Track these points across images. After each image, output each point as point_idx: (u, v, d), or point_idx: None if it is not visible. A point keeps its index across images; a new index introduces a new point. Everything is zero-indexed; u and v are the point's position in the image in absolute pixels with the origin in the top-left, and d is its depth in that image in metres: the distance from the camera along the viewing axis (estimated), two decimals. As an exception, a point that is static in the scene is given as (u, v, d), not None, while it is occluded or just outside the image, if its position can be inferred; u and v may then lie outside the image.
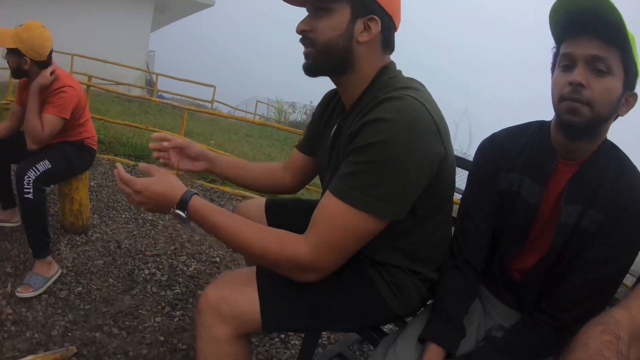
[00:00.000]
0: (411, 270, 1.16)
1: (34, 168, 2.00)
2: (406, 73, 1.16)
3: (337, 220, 0.96)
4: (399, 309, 1.18)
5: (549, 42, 1.10)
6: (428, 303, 1.25)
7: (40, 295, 1.99)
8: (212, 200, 3.52)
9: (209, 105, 12.25)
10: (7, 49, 2.09)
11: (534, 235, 1.14)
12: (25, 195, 1.96)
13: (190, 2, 15.41)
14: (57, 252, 2.32)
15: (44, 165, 2.05)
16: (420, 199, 1.02)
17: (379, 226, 0.98)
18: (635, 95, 1.04)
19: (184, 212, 1.05)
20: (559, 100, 1.02)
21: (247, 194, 3.80)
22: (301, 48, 1.11)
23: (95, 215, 2.83)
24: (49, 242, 2.11)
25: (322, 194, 1.11)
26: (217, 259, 2.64)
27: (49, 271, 2.09)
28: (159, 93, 12.09)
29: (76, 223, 2.52)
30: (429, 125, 0.97)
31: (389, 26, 1.09)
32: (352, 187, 0.94)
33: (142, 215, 2.99)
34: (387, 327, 1.65)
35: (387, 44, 1.11)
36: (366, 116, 0.98)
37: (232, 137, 7.59)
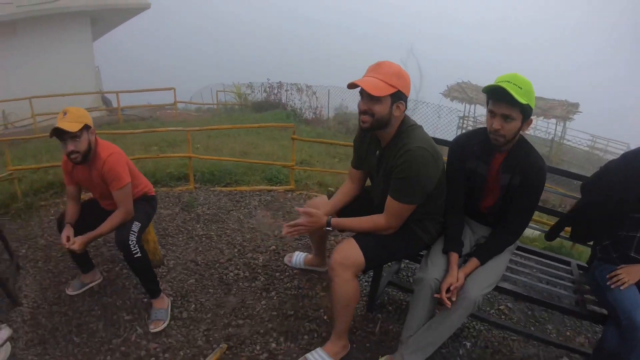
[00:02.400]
0: (431, 219, 2.21)
1: (131, 232, 2.45)
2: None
3: (397, 208, 2.04)
4: (428, 241, 2.23)
5: None
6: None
7: (169, 323, 2.54)
8: (237, 201, 4.07)
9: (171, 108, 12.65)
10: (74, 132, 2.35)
11: (487, 191, 2.16)
12: (136, 256, 2.42)
13: (124, 9, 15.41)
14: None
15: (136, 226, 2.50)
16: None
17: (413, 207, 2.05)
18: (531, 120, 1.99)
19: (330, 227, 2.15)
20: (489, 132, 1.99)
21: (262, 187, 4.37)
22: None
23: (160, 247, 3.33)
24: (158, 282, 2.63)
25: (372, 187, 2.32)
26: (273, 247, 3.27)
27: (164, 303, 2.63)
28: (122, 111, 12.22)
29: (154, 259, 3.03)
30: (432, 163, 1.96)
31: (406, 101, 2.00)
32: (402, 195, 2.00)
33: (193, 232, 3.51)
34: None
35: (405, 109, 2.02)
36: (400, 158, 1.95)
37: (211, 134, 7.96)
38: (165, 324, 2.52)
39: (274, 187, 4.39)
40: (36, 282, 2.96)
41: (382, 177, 2.11)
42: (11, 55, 12.26)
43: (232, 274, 2.94)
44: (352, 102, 14.86)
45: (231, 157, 5.24)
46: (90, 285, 2.90)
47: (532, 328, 2.71)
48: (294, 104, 15.01)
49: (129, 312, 2.67)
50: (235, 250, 3.23)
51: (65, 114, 2.37)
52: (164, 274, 3.01)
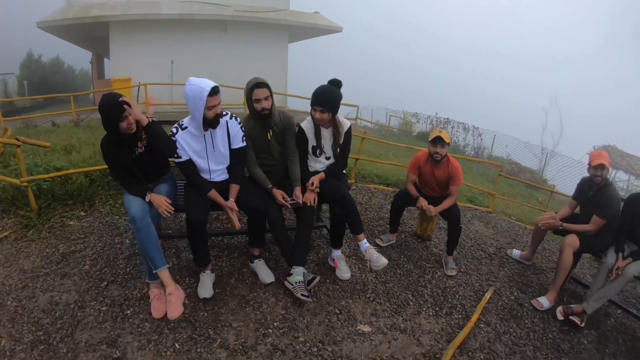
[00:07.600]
0: (609, 233, 4.33)
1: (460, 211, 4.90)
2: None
3: (598, 221, 4.32)
4: (606, 244, 4.39)
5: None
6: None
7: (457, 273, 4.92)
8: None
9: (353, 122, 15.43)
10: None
11: None
12: (460, 226, 4.85)
13: (319, 29, 18.32)
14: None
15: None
16: None
17: (604, 222, 4.30)
18: None
19: (561, 227, 4.60)
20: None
21: (470, 205, 6.72)
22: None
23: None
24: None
25: (581, 210, 4.71)
26: (496, 244, 5.60)
27: (452, 260, 5.02)
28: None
29: (428, 234, 5.45)
30: (618, 202, 4.36)
31: None
32: (603, 215, 4.29)
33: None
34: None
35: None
36: (606, 197, 4.30)
37: (395, 153, 10.51)
38: (456, 272, 4.82)
39: (478, 207, 6.76)
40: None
41: (592, 205, 4.35)
42: (221, 49, 15.70)
43: (478, 253, 5.33)
44: (513, 150, 16.78)
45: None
46: (390, 242, 5.20)
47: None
48: (458, 140, 16.76)
49: (428, 261, 4.87)
50: (471, 241, 5.62)
51: (440, 131, 4.58)
52: (435, 244, 5.44)
